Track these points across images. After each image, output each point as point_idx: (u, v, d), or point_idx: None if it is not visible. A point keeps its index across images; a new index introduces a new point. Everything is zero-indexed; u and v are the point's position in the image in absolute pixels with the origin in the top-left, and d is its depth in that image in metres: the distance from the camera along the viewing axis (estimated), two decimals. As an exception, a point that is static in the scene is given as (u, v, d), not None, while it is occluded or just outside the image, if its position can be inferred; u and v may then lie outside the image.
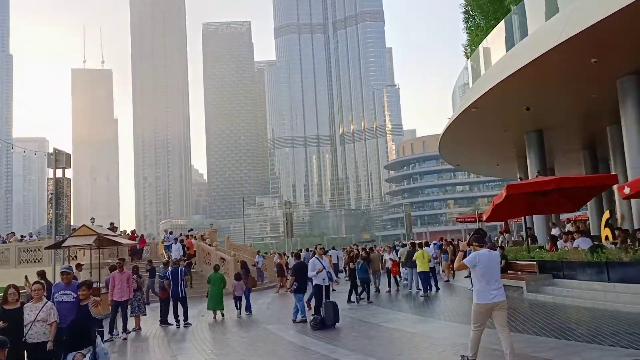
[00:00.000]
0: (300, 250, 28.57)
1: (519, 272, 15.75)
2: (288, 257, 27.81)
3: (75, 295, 7.67)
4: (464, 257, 7.22)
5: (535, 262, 15.02)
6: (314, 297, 12.46)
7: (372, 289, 18.22)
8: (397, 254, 22.78)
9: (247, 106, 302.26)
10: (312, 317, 11.73)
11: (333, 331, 11.24)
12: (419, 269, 17.85)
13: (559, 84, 17.09)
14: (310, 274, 12.39)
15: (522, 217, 31.29)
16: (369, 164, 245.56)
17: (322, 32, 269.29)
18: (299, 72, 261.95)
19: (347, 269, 21.51)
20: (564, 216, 30.60)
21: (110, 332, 12.26)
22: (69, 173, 20.24)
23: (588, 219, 30.60)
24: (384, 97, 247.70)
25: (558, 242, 16.06)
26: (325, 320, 11.59)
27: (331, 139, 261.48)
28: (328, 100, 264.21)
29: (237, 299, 16.08)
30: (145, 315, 14.15)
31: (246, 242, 58.45)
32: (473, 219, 30.95)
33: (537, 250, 16.45)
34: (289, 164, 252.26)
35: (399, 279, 21.10)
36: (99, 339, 7.17)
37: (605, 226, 20.60)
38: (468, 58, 32.09)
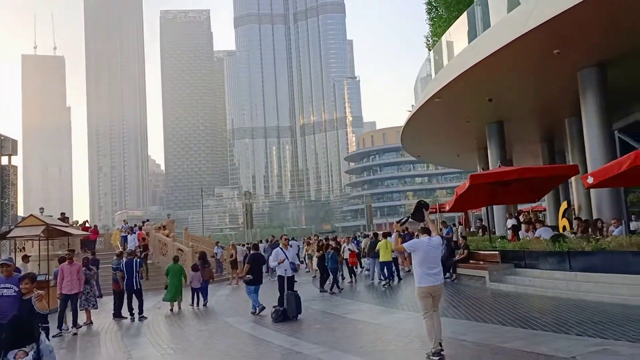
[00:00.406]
0: (260, 242, 28.15)
1: (481, 262, 15.76)
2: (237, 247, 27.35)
3: (16, 289, 7.05)
4: (399, 237, 8.33)
5: (497, 252, 15.04)
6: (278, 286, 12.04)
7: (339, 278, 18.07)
8: (357, 245, 22.71)
9: (205, 96, 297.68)
10: (273, 309, 11.33)
11: (295, 323, 10.89)
12: (381, 259, 17.72)
13: (521, 75, 17.16)
14: (271, 264, 12.00)
15: (482, 209, 31.86)
16: (329, 156, 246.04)
17: (283, 23, 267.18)
18: (259, 63, 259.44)
19: (313, 259, 21.35)
20: (521, 207, 31.11)
21: (59, 326, 11.56)
22: (16, 161, 19.20)
23: (545, 210, 31.27)
24: (344, 89, 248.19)
25: (520, 232, 16.14)
26: (287, 312, 11.23)
27: (291, 130, 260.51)
28: (288, 91, 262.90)
29: (195, 291, 15.73)
30: (97, 308, 13.46)
31: (205, 233, 57.40)
32: (434, 210, 31.01)
33: (499, 240, 16.51)
34: (248, 155, 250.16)
35: (358, 269, 21.12)
36: (43, 335, 6.59)
37: (562, 216, 20.95)
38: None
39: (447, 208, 17.39)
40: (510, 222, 20.85)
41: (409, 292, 15.02)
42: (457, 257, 16.81)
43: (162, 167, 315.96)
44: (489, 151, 24.22)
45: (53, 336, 11.33)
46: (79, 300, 12.16)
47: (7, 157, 17.77)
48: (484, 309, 10.90)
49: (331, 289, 16.34)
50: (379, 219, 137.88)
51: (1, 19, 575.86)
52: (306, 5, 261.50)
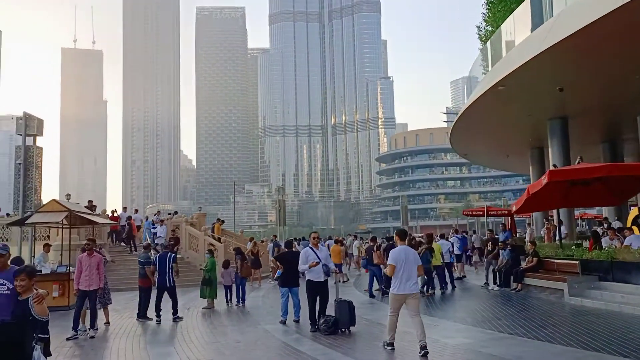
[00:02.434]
0: (303, 239, 26.48)
1: (556, 273, 13.71)
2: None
3: (10, 287, 5.46)
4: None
5: (577, 262, 12.97)
6: (307, 296, 10.10)
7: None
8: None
9: (238, 93, 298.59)
10: (322, 319, 9.55)
11: (349, 338, 9.10)
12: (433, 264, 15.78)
13: (601, 59, 14.99)
14: (301, 267, 9.97)
15: (530, 214, 29.47)
16: (360, 156, 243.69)
17: (318, 21, 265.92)
18: (293, 61, 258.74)
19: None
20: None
21: (75, 327, 10.02)
22: (42, 142, 17.90)
23: (602, 218, 28.66)
24: (377, 89, 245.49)
25: (602, 240, 14.02)
26: (339, 323, 9.46)
27: (323, 130, 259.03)
28: (321, 90, 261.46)
29: (227, 289, 14.47)
30: (111, 303, 11.87)
31: (235, 229, 56.21)
32: (481, 213, 28.92)
33: (573, 247, 14.44)
34: (279, 153, 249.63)
35: None
36: (38, 351, 4.99)
37: (632, 224, 18.69)
38: (482, 40, 30.01)
39: (514, 209, 15.36)
40: (563, 229, 18.69)
41: (468, 303, 13.08)
42: (524, 265, 14.78)
43: (194, 163, 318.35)
44: (550, 150, 21.97)
45: (67, 339, 9.82)
46: (98, 297, 10.61)
47: (31, 138, 16.44)
48: (567, 328, 8.96)
49: (427, 290, 14.73)
50: (409, 221, 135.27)
51: (43, 13, 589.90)
52: (341, 3, 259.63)
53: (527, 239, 18.06)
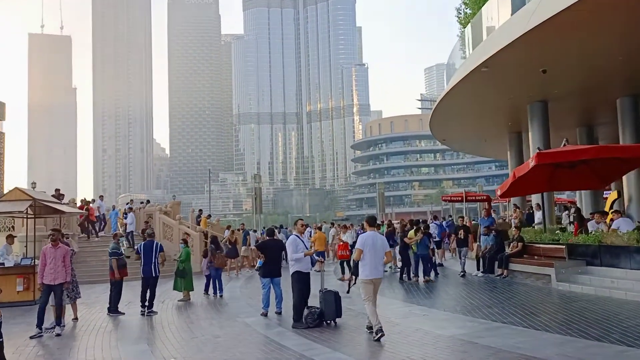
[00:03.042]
0: (282, 227, 25.94)
1: (542, 257, 13.43)
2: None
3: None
4: None
5: (563, 246, 12.69)
6: (293, 286, 9.40)
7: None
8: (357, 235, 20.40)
9: (212, 80, 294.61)
10: (306, 311, 9.00)
11: (336, 330, 8.60)
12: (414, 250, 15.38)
13: (589, 38, 14.67)
14: (293, 256, 9.34)
15: (508, 199, 29.46)
16: (335, 143, 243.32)
17: (292, 7, 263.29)
18: (267, 47, 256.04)
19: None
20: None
21: (39, 325, 9.28)
22: (7, 131, 16.91)
23: (575, 202, 28.80)
24: (352, 76, 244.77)
25: (589, 223, 13.78)
26: (325, 315, 8.94)
27: (298, 117, 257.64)
28: (296, 77, 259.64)
29: (209, 279, 14.09)
30: (80, 297, 11.12)
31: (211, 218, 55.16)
32: (460, 198, 28.74)
33: (559, 232, 14.18)
34: (254, 141, 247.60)
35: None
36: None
37: (610, 208, 18.63)
38: (461, 23, 29.66)
39: (499, 193, 15.01)
40: (539, 215, 18.49)
41: (454, 291, 12.71)
42: (509, 251, 14.48)
43: (167, 151, 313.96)
44: (530, 134, 21.72)
45: (31, 337, 9.10)
46: (64, 292, 9.87)
47: (-8, 123, 15.45)
48: (562, 316, 8.64)
49: (408, 276, 14.80)
50: (385, 207, 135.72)
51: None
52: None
53: (535, 222, 17.71)
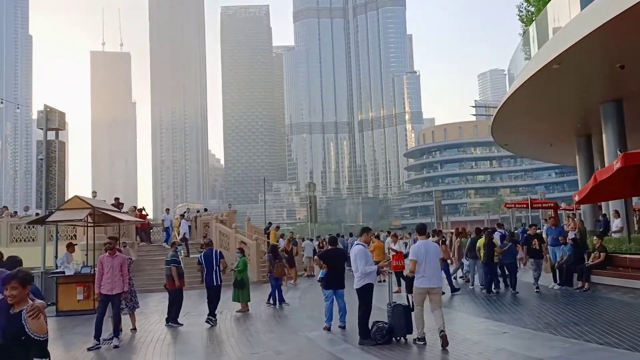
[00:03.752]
0: (339, 236, 25.37)
1: (629, 269, 12.21)
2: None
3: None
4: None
5: (656, 257, 11.47)
6: (361, 300, 8.58)
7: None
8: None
9: (264, 91, 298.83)
10: (375, 327, 8.30)
11: (408, 348, 7.86)
12: (484, 260, 14.37)
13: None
14: (366, 268, 8.54)
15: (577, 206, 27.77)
16: (388, 152, 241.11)
17: (342, 17, 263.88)
18: (318, 58, 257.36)
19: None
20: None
21: (97, 336, 9.00)
22: (64, 137, 17.12)
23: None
24: (403, 84, 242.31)
25: (683, 231, 12.45)
26: (395, 331, 8.22)
27: (349, 126, 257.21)
28: (347, 86, 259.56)
29: (275, 289, 13.54)
30: (138, 307, 10.83)
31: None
32: (525, 205, 27.31)
33: (646, 241, 12.91)
34: (306, 150, 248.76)
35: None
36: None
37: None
38: (523, 22, 28.35)
39: (577, 199, 13.87)
40: (617, 222, 17.02)
41: (531, 304, 11.66)
42: (590, 262, 13.29)
43: (222, 162, 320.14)
44: (604, 136, 20.21)
45: (88, 349, 8.81)
46: (122, 302, 9.59)
47: (53, 132, 15.62)
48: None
49: (491, 288, 13.89)
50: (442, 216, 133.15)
51: (72, 17, 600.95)
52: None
53: (612, 229, 16.32)
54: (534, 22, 22.54)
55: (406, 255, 16.73)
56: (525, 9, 27.40)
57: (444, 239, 15.10)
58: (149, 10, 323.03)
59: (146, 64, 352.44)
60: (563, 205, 33.20)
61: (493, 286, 14.02)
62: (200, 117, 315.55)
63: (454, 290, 14.24)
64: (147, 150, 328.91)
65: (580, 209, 26.94)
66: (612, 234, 16.46)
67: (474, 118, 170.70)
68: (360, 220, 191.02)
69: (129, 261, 9.84)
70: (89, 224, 14.28)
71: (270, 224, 25.82)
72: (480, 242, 14.64)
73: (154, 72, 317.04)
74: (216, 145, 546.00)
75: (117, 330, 9.22)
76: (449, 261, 15.00)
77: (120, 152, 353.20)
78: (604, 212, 24.53)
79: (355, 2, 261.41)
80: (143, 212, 23.42)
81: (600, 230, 21.65)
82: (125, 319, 10.24)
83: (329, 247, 10.39)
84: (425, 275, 7.72)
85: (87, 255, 14.94)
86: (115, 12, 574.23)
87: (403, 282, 15.03)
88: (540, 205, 26.93)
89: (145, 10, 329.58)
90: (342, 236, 27.79)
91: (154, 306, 14.17)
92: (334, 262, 9.56)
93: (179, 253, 12.03)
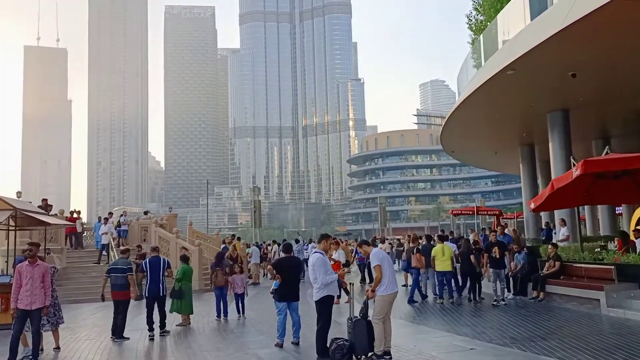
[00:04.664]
0: (297, 242, 24.48)
1: (584, 279, 12.01)
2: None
3: None
4: None
5: (612, 267, 11.26)
6: (320, 314, 7.79)
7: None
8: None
9: (208, 93, 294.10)
10: (334, 344, 7.50)
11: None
12: (438, 269, 13.89)
13: (629, 39, 13.46)
14: (324, 279, 7.67)
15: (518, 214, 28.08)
16: (331, 158, 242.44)
17: (289, 22, 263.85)
18: (264, 61, 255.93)
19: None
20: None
21: (11, 358, 7.73)
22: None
23: (584, 218, 27.34)
24: (348, 90, 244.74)
25: (637, 241, 12.39)
26: (356, 349, 7.45)
27: (294, 131, 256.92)
28: (292, 91, 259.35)
29: (238, 298, 12.50)
30: (63, 322, 9.57)
31: (208, 232, 53.59)
32: (470, 212, 27.41)
33: (601, 250, 12.79)
34: (249, 154, 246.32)
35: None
36: None
37: (637, 225, 17.25)
38: (472, 30, 28.55)
39: (532, 206, 13.64)
40: (564, 231, 17.13)
41: (491, 316, 11.23)
42: (545, 271, 13.05)
43: (162, 164, 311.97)
44: (550, 145, 20.37)
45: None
46: (44, 318, 8.35)
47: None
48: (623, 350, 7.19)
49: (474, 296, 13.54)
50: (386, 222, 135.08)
51: (5, 10, 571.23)
52: (312, 4, 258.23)
53: (559, 238, 16.25)
54: (484, 31, 22.61)
55: (345, 265, 15.96)
56: (474, 17, 27.59)
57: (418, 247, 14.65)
58: (89, 4, 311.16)
59: (84, 60, 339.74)
60: (508, 213, 33.76)
61: (456, 296, 13.72)
62: (141, 117, 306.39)
63: (413, 301, 13.70)
64: (83, 151, 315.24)
65: (523, 217, 27.42)
66: (558, 243, 16.43)
67: (415, 127, 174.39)
68: (302, 225, 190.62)
69: (52, 270, 8.61)
70: (10, 228, 12.83)
71: (233, 236, 24.06)
72: (436, 250, 14.13)
73: (92, 69, 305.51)
74: (157, 148, 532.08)
75: (36, 351, 7.99)
76: (421, 270, 14.39)
77: (53, 152, 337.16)
78: (545, 220, 25.01)
79: (302, 8, 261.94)
80: (74, 215, 21.70)
81: (543, 238, 21.92)
82: (48, 336, 9.01)
83: (283, 254, 9.55)
84: (391, 280, 7.52)
85: (7, 262, 13.44)
86: (52, 5, 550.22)
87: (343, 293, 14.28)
88: (485, 212, 27.09)
89: (85, 4, 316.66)
90: (298, 241, 26.68)
91: (82, 319, 12.85)
92: (288, 273, 8.71)
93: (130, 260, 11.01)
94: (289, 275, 8.68)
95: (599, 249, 13.06)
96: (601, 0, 11.26)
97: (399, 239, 29.81)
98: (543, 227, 23.45)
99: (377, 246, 10.78)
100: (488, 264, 12.91)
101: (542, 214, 24.42)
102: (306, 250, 24.69)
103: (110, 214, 22.82)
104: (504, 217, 29.84)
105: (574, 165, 13.21)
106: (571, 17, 12.35)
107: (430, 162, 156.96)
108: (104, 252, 19.83)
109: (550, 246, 13.43)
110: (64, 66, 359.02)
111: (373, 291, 7.50)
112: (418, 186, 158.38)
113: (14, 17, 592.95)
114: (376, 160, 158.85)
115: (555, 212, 20.24)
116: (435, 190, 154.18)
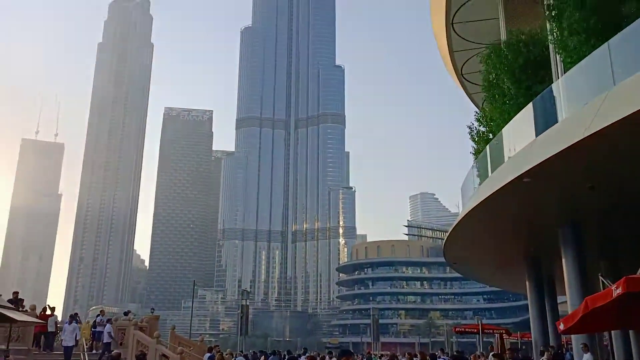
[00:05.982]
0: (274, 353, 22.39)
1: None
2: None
3: None
4: None
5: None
6: None
7: None
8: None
9: (199, 193, 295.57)
10: None
11: None
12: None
13: None
14: None
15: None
16: (320, 265, 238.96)
17: (284, 128, 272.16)
18: (257, 165, 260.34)
19: None
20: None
21: None
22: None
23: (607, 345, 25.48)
24: (339, 198, 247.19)
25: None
26: None
27: (283, 236, 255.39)
28: (283, 196, 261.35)
29: None
30: None
31: (190, 337, 50.39)
32: (475, 330, 25.67)
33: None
34: (237, 257, 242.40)
35: None
36: None
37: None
38: (474, 141, 28.47)
39: (562, 328, 12.25)
40: (588, 357, 15.64)
41: None
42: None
43: (146, 263, 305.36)
44: (564, 261, 19.21)
45: None
46: None
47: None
48: None
49: None
50: (368, 337, 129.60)
51: (7, 102, 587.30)
52: (308, 113, 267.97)
53: None
54: (488, 144, 22.18)
55: None
56: (476, 128, 27.63)
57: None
58: (91, 102, 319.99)
59: (79, 155, 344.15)
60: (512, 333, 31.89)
61: None
62: (130, 213, 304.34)
63: None
64: (67, 246, 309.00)
65: (527, 338, 25.67)
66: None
67: (406, 237, 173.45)
68: (287, 335, 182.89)
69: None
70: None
71: (217, 347, 22.03)
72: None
73: (86, 164, 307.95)
74: (143, 245, 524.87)
75: None
76: None
77: (35, 246, 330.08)
78: (551, 344, 23.16)
79: (297, 116, 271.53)
80: (47, 312, 19.79)
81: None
82: None
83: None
84: None
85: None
86: (54, 100, 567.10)
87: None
88: (491, 331, 25.32)
89: (86, 101, 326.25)
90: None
91: None
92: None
93: None
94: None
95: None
96: (630, 108, 10.81)
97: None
98: (549, 349, 21.48)
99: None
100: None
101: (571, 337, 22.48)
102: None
103: (76, 313, 21.02)
104: (511, 337, 28.01)
105: (603, 283, 12.10)
106: (598, 124, 11.80)
107: (421, 275, 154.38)
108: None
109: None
110: (59, 160, 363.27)
111: None
112: (408, 299, 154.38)
113: (16, 110, 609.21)
114: (366, 269, 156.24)
115: (578, 336, 18.62)
116: (426, 304, 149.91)
